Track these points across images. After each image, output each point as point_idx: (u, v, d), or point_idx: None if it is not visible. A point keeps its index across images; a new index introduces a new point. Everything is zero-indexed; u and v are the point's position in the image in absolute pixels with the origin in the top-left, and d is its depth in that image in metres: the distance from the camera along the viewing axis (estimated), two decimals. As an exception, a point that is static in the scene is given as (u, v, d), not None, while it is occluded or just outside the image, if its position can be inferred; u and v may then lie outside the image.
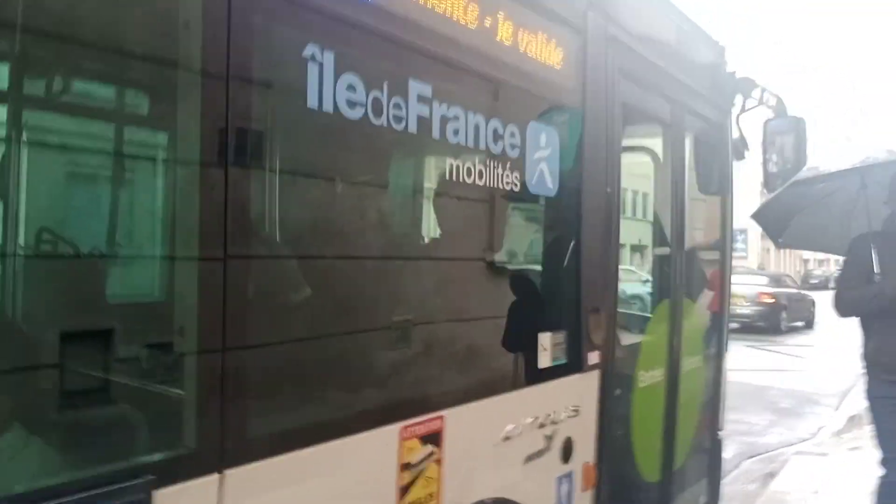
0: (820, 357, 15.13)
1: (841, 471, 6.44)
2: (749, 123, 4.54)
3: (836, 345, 17.10)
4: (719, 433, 4.20)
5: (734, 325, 19.70)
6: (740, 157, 4.46)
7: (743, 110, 4.29)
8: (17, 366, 1.34)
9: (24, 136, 1.49)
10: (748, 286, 18.35)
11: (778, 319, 19.01)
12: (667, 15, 3.46)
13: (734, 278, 5.11)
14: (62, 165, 1.55)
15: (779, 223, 5.19)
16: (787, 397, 10.41)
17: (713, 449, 4.13)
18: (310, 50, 1.61)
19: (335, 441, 1.68)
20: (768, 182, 4.28)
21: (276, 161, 1.62)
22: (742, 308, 18.04)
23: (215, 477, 1.40)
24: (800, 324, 20.29)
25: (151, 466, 1.30)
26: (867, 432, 7.27)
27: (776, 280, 21.19)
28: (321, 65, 1.64)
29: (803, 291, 22.49)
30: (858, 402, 9.49)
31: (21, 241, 1.51)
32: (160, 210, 1.52)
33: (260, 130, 1.54)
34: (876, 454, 4.39)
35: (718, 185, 4.19)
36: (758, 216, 5.12)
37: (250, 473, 1.47)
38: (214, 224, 1.41)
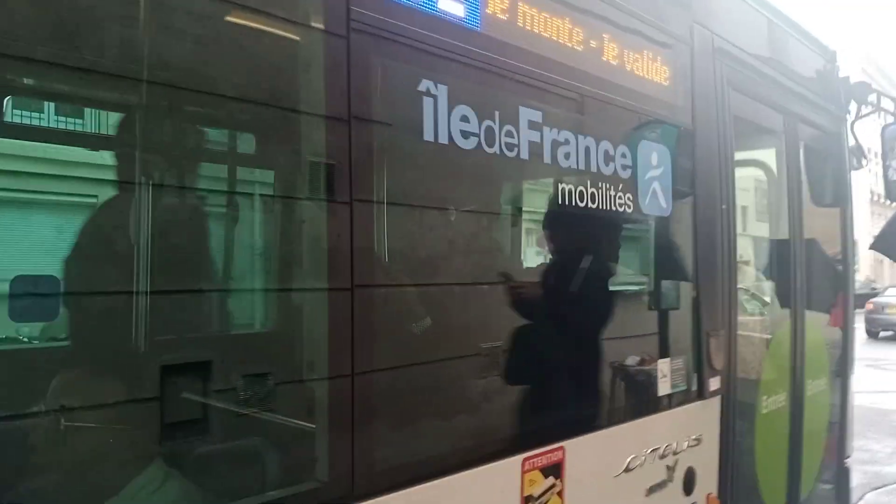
0: None
1: None
2: (866, 130, 4.31)
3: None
4: (846, 460, 3.92)
5: (887, 333, 21.00)
6: (858, 165, 4.22)
7: (858, 117, 4.08)
8: (152, 397, 1.38)
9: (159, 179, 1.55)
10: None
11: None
12: (772, 21, 3.32)
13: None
14: (192, 207, 1.60)
15: None
16: None
17: (840, 477, 3.86)
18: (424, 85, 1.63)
19: (459, 473, 1.65)
20: (890, 191, 4.02)
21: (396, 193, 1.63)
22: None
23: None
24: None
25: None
26: None
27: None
28: (435, 98, 1.65)
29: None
30: None
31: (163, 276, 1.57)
32: (291, 245, 1.56)
33: (380, 165, 1.56)
34: None
35: (835, 197, 3.96)
36: (877, 245, 4.59)
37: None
38: (341, 257, 1.43)
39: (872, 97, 4.02)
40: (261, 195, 1.64)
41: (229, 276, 1.66)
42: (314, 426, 1.44)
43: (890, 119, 3.99)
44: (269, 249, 1.61)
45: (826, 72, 3.82)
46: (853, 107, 4.01)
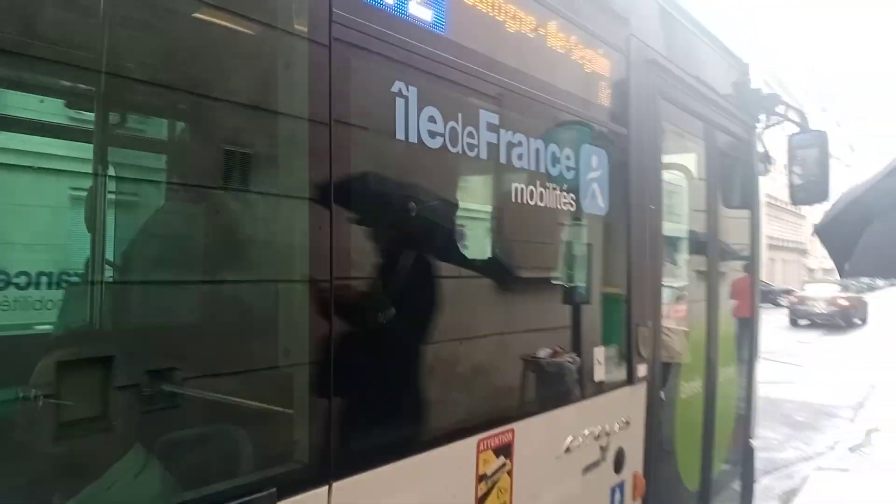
0: (830, 366, 15.25)
1: (864, 488, 6.35)
2: (774, 139, 4.67)
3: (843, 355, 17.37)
4: (751, 441, 4.28)
5: (805, 322, 24.72)
6: (765, 171, 4.56)
7: (767, 126, 4.41)
8: (141, 385, 1.44)
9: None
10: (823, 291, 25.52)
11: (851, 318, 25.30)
12: (695, 34, 3.57)
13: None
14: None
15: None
16: (802, 410, 10.43)
17: (746, 457, 4.21)
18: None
19: (423, 454, 1.77)
20: (793, 195, 4.37)
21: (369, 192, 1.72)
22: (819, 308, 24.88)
23: (324, 489, 1.50)
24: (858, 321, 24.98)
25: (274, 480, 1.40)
26: (888, 446, 7.41)
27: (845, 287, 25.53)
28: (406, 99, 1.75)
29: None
30: (874, 413, 9.75)
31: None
32: (274, 240, 1.62)
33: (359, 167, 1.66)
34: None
35: (746, 199, 4.29)
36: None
37: (354, 485, 1.56)
38: (321, 251, 1.52)
39: (781, 108, 4.36)
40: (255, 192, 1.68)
41: (217, 268, 1.70)
42: (294, 412, 1.53)
43: (795, 129, 4.35)
44: (255, 245, 1.66)
45: (740, 83, 4.12)
46: (763, 117, 4.35)
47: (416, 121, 1.79)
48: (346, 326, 1.60)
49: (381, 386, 1.73)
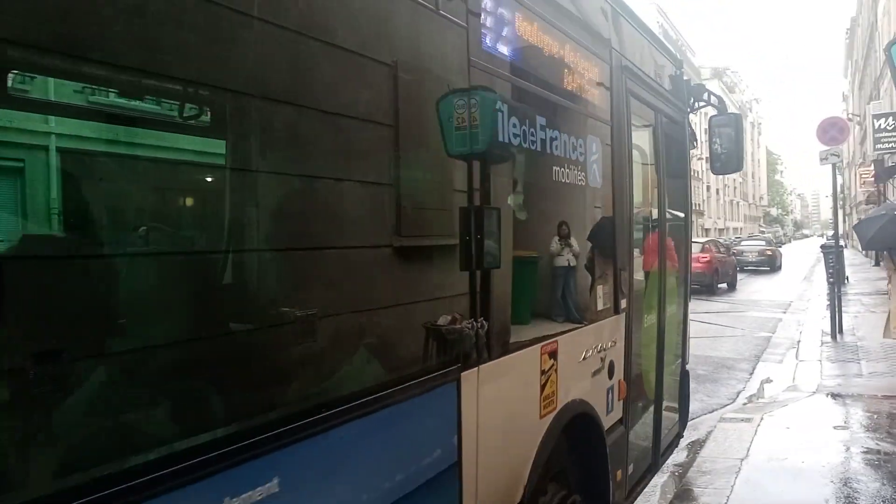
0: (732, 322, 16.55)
1: (766, 436, 6.80)
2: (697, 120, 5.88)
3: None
4: (686, 366, 5.44)
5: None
6: (692, 146, 5.66)
7: (692, 110, 5.48)
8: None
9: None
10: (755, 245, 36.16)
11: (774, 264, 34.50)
12: (648, 41, 4.53)
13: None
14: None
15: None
16: (703, 364, 10.86)
17: (683, 377, 5.38)
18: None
19: (519, 352, 2.69)
20: (713, 166, 5.53)
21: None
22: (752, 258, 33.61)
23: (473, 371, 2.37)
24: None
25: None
26: (785, 397, 8.41)
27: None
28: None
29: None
30: (771, 367, 10.82)
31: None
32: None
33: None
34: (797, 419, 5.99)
35: (682, 170, 5.39)
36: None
37: (487, 370, 2.44)
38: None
39: (705, 95, 5.46)
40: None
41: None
42: (463, 318, 2.39)
43: (714, 112, 5.48)
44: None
45: (676, 76, 5.14)
46: (692, 102, 5.43)
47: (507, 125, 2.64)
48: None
49: (503, 313, 2.61)
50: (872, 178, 33.32)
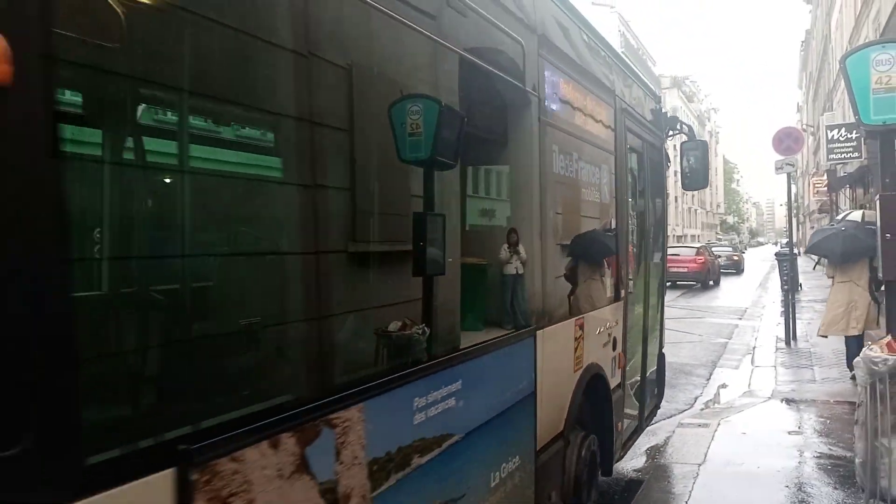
0: (690, 328, 17.57)
1: (722, 441, 7.26)
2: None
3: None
4: (663, 350, 6.91)
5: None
6: (666, 167, 7.13)
7: (669, 136, 6.94)
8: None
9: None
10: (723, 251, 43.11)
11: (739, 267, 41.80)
12: (639, 84, 5.90)
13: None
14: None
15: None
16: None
17: (660, 360, 6.97)
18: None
19: (565, 321, 4.03)
20: (683, 183, 7.03)
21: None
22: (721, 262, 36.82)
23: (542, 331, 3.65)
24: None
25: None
26: (741, 402, 9.10)
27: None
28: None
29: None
30: (727, 373, 11.72)
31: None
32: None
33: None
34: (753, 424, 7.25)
35: (660, 186, 6.87)
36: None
37: (549, 332, 3.74)
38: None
39: (678, 125, 6.91)
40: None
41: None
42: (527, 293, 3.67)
43: (685, 138, 6.96)
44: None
45: (656, 109, 6.56)
46: (667, 130, 6.88)
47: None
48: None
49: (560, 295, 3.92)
50: (825, 188, 35.68)
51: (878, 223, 5.50)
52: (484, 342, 3.21)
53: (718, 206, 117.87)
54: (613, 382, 5.02)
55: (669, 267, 30.69)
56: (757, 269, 44.08)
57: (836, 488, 5.78)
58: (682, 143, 7.12)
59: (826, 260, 10.57)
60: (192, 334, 2.07)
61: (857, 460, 5.15)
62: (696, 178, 7.06)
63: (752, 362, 12.22)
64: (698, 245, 36.16)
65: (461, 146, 2.92)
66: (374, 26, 2.55)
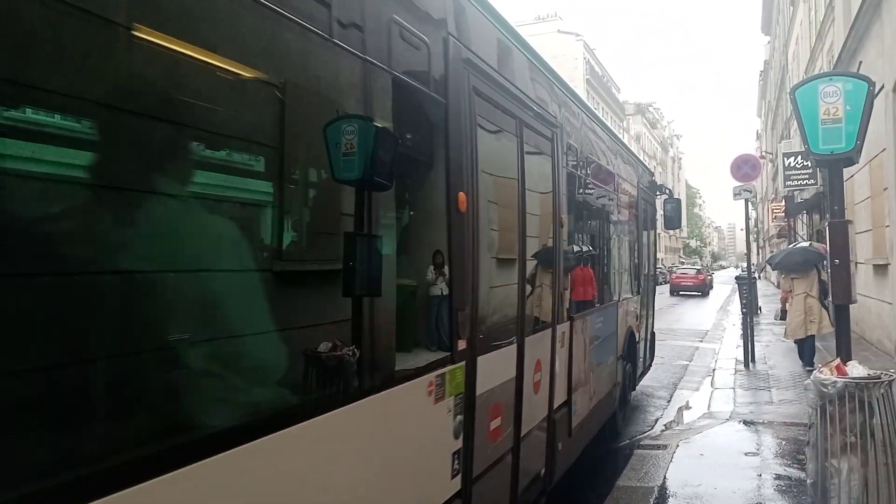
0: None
1: (681, 462, 7.35)
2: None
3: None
4: (653, 330, 12.31)
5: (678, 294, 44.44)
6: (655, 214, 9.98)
7: (657, 195, 12.35)
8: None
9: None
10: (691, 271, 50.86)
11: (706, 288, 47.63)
12: (645, 167, 10.16)
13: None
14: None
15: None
16: None
17: (652, 335, 12.15)
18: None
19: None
20: (665, 223, 12.66)
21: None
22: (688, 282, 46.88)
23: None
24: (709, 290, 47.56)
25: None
26: (700, 424, 9.36)
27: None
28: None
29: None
30: (688, 395, 12.19)
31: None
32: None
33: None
34: (711, 446, 8.01)
35: (653, 224, 11.16)
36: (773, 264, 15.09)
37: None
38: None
39: (663, 188, 12.57)
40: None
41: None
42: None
43: (667, 195, 12.15)
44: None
45: (652, 180, 11.81)
46: (656, 192, 11.52)
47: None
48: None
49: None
50: (783, 213, 36.55)
51: (828, 249, 5.65)
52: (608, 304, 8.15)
53: (681, 230, 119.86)
54: (638, 337, 10.05)
55: (680, 281, 45.61)
56: (718, 293, 46.60)
57: (791, 509, 5.87)
58: (664, 200, 12.35)
59: (782, 276, 14.28)
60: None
61: (808, 481, 5.24)
62: (673, 222, 12.31)
63: (712, 384, 12.46)
64: (699, 267, 56.90)
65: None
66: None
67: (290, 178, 2.68)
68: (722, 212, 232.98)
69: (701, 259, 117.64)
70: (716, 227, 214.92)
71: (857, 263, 16.62)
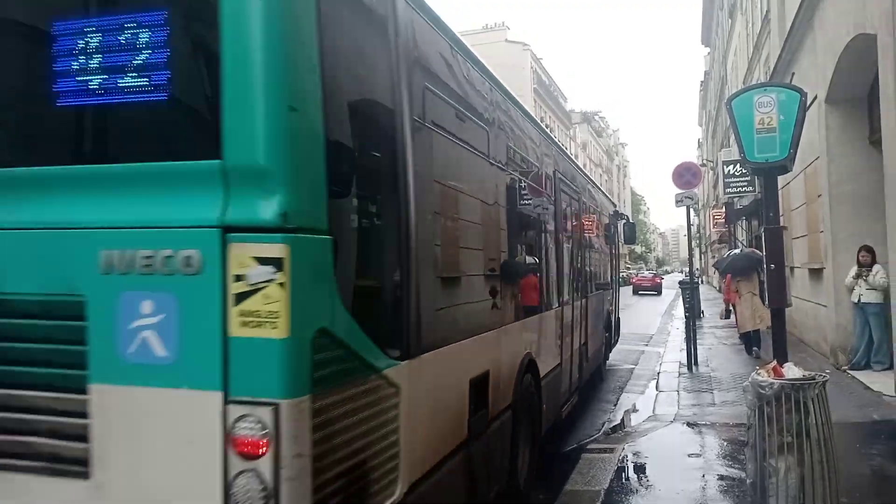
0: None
1: (626, 465, 7.43)
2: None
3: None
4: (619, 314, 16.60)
5: (640, 293, 54.32)
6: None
7: (618, 220, 16.32)
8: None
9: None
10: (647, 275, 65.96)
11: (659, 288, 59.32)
12: (614, 202, 11.01)
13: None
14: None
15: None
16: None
17: (618, 320, 16.39)
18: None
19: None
20: (623, 239, 16.48)
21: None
22: (647, 283, 59.22)
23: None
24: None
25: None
26: (646, 426, 9.52)
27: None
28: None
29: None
30: (634, 398, 12.37)
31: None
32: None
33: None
34: (656, 448, 8.12)
35: (614, 241, 13.32)
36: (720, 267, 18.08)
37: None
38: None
39: (620, 214, 16.62)
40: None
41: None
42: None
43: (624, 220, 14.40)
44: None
45: (616, 210, 16.36)
46: (617, 216, 12.30)
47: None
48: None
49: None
50: (724, 220, 37.47)
51: (764, 254, 5.80)
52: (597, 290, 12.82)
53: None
54: (613, 316, 15.05)
55: (640, 283, 59.31)
56: (664, 298, 48.37)
57: (732, 509, 5.97)
58: (623, 223, 16.34)
59: (723, 280, 18.33)
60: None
61: (748, 481, 5.35)
62: (630, 239, 16.43)
63: (657, 387, 12.64)
64: (655, 272, 73.78)
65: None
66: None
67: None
68: (666, 218, 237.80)
69: (646, 265, 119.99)
70: (660, 233, 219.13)
71: (793, 268, 17.15)
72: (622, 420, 10.68)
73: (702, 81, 71.58)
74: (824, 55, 12.97)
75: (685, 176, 14.98)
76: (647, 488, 6.68)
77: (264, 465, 2.65)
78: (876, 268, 11.68)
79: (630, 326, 25.35)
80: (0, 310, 3.02)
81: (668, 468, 7.36)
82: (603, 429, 10.13)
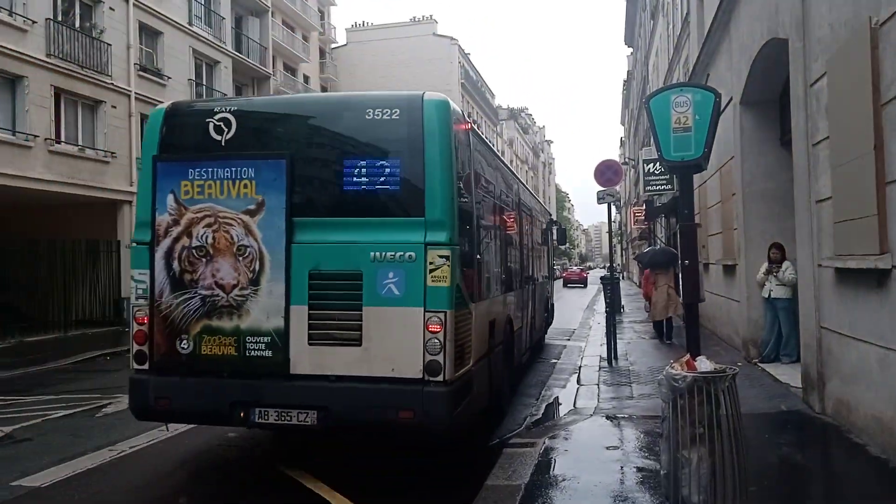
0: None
1: (547, 458, 7.43)
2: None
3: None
4: (553, 300, 20.99)
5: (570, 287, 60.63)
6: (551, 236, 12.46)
7: (552, 226, 20.00)
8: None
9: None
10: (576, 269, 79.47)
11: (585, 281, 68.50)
12: (546, 211, 12.23)
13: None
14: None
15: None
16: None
17: (549, 309, 20.12)
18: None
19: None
20: (556, 241, 20.43)
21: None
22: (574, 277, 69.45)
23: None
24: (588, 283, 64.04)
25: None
26: (566, 420, 9.58)
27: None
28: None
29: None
30: (556, 392, 12.39)
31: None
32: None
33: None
34: (576, 441, 8.26)
35: (548, 242, 14.54)
36: (639, 258, 21.59)
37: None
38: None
39: (553, 219, 21.99)
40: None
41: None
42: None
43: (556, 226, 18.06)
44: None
45: (551, 217, 21.79)
46: (550, 222, 15.54)
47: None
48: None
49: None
50: (644, 217, 38.51)
51: (679, 250, 5.96)
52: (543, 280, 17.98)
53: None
54: (550, 301, 19.88)
55: (570, 276, 69.18)
56: (586, 292, 51.23)
57: (649, 499, 6.09)
58: (556, 228, 19.94)
59: (642, 275, 21.54)
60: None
61: (662, 472, 5.48)
62: (562, 240, 20.40)
63: (578, 381, 12.77)
64: (582, 267, 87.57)
65: None
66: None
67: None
68: (589, 215, 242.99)
69: (570, 261, 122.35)
70: (584, 230, 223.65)
71: (709, 264, 17.75)
72: (544, 414, 10.78)
73: (625, 81, 73.32)
74: (739, 58, 13.43)
75: (607, 174, 15.20)
76: (566, 481, 6.69)
77: (440, 335, 6.63)
78: (785, 264, 12.20)
79: (554, 322, 25.82)
80: (326, 276, 6.87)
81: (588, 461, 7.41)
82: (525, 423, 10.18)
